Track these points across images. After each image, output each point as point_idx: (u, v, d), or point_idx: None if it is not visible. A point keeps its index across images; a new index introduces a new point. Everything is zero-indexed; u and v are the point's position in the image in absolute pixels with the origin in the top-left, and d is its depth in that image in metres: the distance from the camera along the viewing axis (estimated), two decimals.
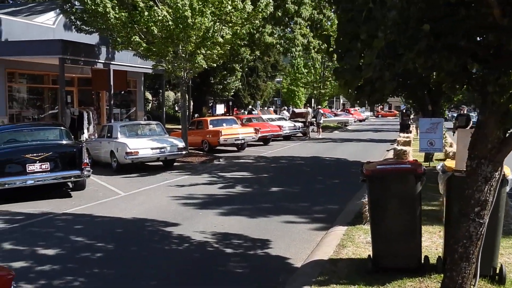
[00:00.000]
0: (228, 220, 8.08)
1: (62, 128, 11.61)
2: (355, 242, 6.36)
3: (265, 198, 10.09)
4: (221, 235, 7.20)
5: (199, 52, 15.76)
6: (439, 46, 3.69)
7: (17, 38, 18.99)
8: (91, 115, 19.95)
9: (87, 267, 5.81)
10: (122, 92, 24.29)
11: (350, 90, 3.25)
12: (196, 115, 32.29)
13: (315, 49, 29.28)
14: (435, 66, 3.82)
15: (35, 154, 9.83)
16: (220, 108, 44.22)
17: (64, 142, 10.93)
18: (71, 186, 11.08)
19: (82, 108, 20.11)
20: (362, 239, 6.50)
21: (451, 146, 16.89)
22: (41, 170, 9.81)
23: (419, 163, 5.12)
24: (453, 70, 3.69)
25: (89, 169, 10.24)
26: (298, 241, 6.95)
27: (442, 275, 4.79)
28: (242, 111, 47.89)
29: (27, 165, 9.71)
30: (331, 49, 3.52)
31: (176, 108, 49.80)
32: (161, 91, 47.39)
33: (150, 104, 45.85)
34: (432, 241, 6.21)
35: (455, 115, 27.95)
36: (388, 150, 19.72)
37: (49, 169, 9.89)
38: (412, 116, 29.06)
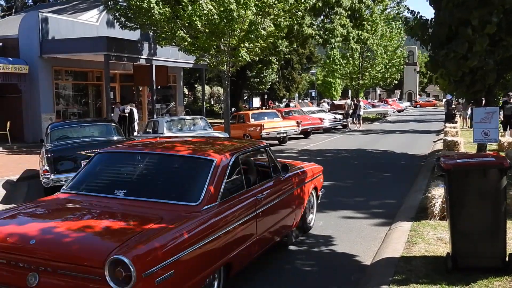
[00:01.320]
0: None
1: (112, 124, 11.74)
2: (425, 238, 6.12)
3: None
4: None
5: (242, 45, 15.65)
6: None
7: (63, 36, 19.39)
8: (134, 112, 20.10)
9: None
10: (159, 87, 24.48)
11: (450, 80, 3.03)
12: (233, 109, 32.28)
13: (354, 40, 28.75)
14: None
15: (89, 151, 9.91)
16: (256, 102, 44.16)
17: (115, 138, 11.03)
18: None
19: (130, 105, 20.28)
20: (432, 235, 6.25)
21: (503, 136, 16.26)
22: None
23: (502, 156, 4.84)
24: None
25: None
26: (362, 238, 6.76)
27: None
28: (277, 104, 47.69)
29: (82, 161, 9.82)
30: (426, 37, 3.30)
31: (212, 102, 50.07)
32: (196, 85, 47.90)
33: (186, 99, 46.22)
34: (509, 237, 5.89)
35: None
36: (435, 141, 19.18)
37: None
38: (453, 105, 28.22)
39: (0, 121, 19.22)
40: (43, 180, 9.47)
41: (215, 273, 4.33)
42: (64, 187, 5.10)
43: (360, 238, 6.75)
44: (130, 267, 3.31)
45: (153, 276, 3.46)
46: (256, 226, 5.05)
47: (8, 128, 18.51)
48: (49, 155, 9.61)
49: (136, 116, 19.48)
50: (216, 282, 4.39)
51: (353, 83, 36.41)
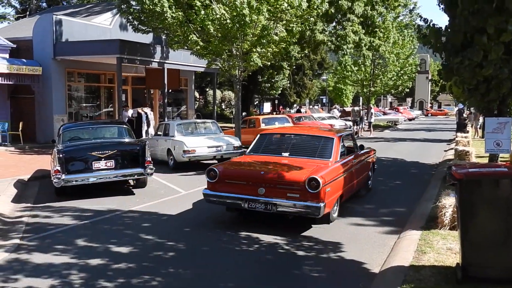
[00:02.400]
0: (295, 221, 7.91)
1: (124, 126, 11.78)
2: (434, 248, 6.07)
3: None
4: (290, 237, 7.06)
5: (254, 50, 15.66)
6: None
7: (76, 38, 19.57)
8: (150, 117, 19.99)
9: (162, 267, 5.80)
10: (171, 91, 24.52)
11: (464, 89, 3.01)
12: (243, 114, 32.26)
13: (366, 46, 28.63)
14: None
15: (100, 152, 9.99)
16: (267, 107, 44.14)
17: (126, 140, 11.08)
18: (132, 183, 11.24)
19: (141, 109, 20.31)
20: (441, 244, 6.20)
21: None
22: (106, 167, 9.96)
23: None
24: None
25: (152, 167, 10.31)
26: (371, 245, 6.73)
27: None
28: (288, 109, 47.64)
29: (93, 162, 9.89)
30: (439, 45, 3.29)
31: (223, 106, 50.14)
32: (207, 89, 48.01)
33: (197, 103, 46.34)
34: None
35: None
36: (446, 151, 19.04)
37: (113, 166, 10.03)
38: (465, 115, 27.96)
39: (13, 121, 19.43)
40: (54, 180, 9.55)
41: (337, 199, 7.77)
42: (246, 152, 8.89)
43: (369, 245, 6.71)
44: (319, 180, 6.93)
45: (324, 188, 7.03)
46: (352, 177, 8.57)
47: (20, 129, 18.70)
48: (60, 156, 9.68)
49: (144, 123, 19.36)
50: (336, 204, 7.83)
51: (364, 90, 36.19)
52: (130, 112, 19.47)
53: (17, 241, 6.94)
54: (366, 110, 31.52)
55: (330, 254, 6.37)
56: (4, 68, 17.62)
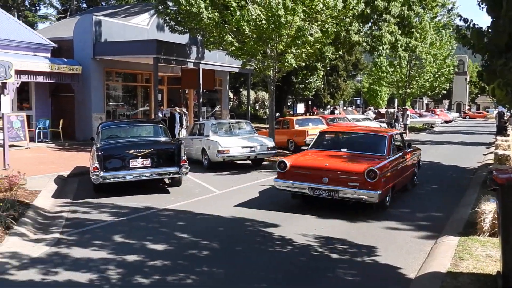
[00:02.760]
0: (328, 223, 7.88)
1: (160, 125, 11.97)
2: (473, 255, 5.92)
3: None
4: (323, 239, 7.02)
5: (289, 51, 15.64)
6: None
7: (115, 38, 20.00)
8: (183, 117, 20.17)
9: (197, 265, 5.87)
10: (205, 91, 24.75)
11: (508, 91, 2.93)
12: (277, 114, 32.22)
13: (403, 47, 28.12)
14: None
15: (137, 150, 10.18)
16: (301, 108, 43.99)
17: (162, 139, 11.26)
18: (167, 182, 11.41)
19: (174, 109, 20.56)
20: (481, 251, 6.04)
21: None
22: (142, 165, 10.15)
23: None
24: None
25: (187, 166, 10.43)
26: (406, 250, 6.62)
27: None
28: (322, 110, 47.34)
29: (130, 160, 10.10)
30: (481, 46, 3.21)
31: (257, 107, 50.27)
32: (241, 90, 48.23)
33: (231, 103, 46.58)
34: None
35: None
36: (485, 155, 18.53)
37: (149, 165, 10.21)
38: (505, 118, 27.13)
39: (53, 119, 20.04)
40: (93, 177, 9.79)
41: (390, 189, 8.68)
42: (308, 147, 10.20)
43: (405, 250, 6.60)
44: (377, 171, 7.94)
45: (380, 178, 8.04)
46: (401, 171, 9.54)
47: (61, 126, 19.26)
48: (99, 153, 9.93)
49: (178, 124, 19.59)
50: (389, 194, 8.77)
51: (400, 91, 35.62)
52: (164, 112, 19.78)
53: (57, 235, 7.17)
54: (402, 112, 31.00)
55: (364, 257, 6.30)
56: (46, 67, 18.18)
